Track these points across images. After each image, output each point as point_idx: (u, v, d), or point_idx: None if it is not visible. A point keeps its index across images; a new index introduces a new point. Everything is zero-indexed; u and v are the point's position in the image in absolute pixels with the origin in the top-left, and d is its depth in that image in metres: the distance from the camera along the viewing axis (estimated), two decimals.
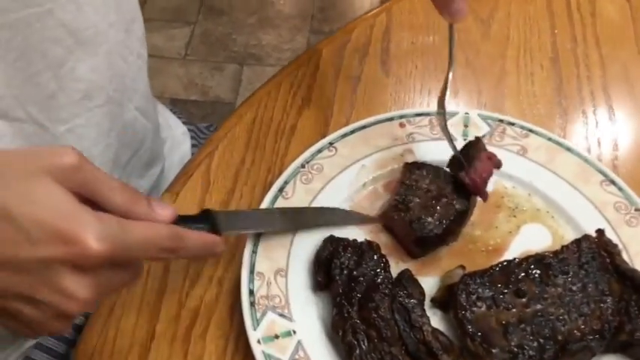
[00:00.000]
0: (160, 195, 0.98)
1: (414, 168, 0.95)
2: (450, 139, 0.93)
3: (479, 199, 0.93)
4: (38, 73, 0.76)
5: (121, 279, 0.60)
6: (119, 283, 0.61)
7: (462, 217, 0.92)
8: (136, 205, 0.60)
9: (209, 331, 0.82)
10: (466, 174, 0.90)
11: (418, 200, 0.91)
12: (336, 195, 0.97)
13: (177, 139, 1.35)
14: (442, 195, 0.92)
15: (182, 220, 0.66)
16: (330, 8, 3.24)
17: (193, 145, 1.23)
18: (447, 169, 0.96)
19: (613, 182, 0.99)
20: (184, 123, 1.44)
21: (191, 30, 3.05)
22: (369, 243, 0.85)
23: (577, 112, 1.13)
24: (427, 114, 1.06)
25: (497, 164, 0.93)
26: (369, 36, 1.24)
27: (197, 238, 0.66)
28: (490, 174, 0.91)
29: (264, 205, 0.94)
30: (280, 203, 0.94)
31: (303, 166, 0.99)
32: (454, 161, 0.94)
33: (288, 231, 0.87)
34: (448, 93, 0.91)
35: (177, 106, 2.65)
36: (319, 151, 1.01)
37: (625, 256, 0.89)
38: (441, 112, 0.93)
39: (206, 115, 2.74)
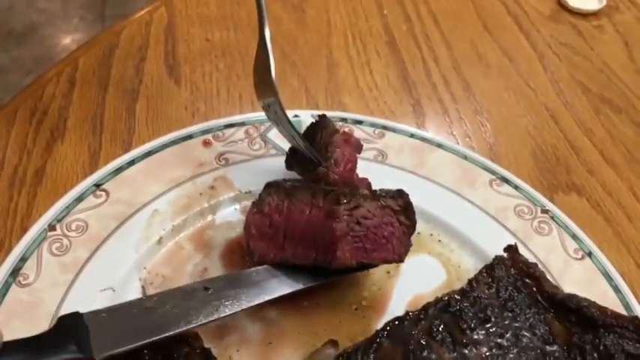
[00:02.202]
0: None
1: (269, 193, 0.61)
2: (293, 128, 0.63)
3: None
4: None
5: None
6: None
7: None
8: None
9: None
10: (327, 170, 0.60)
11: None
12: (114, 266, 0.60)
13: None
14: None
15: (17, 349, 0.44)
16: None
17: None
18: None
19: (505, 180, 0.73)
20: None
21: None
22: (181, 337, 0.49)
23: (432, 100, 0.88)
24: (242, 124, 0.74)
25: (358, 146, 0.67)
26: (146, 36, 0.89)
27: None
28: (355, 162, 0.64)
29: None
30: (15, 294, 0.55)
31: (52, 227, 0.60)
32: (296, 156, 0.65)
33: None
34: (273, 67, 0.60)
35: None
36: (79, 199, 0.63)
37: (549, 278, 0.62)
38: (269, 99, 0.62)
39: None
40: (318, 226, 0.56)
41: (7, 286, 0.56)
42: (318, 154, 0.63)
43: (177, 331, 0.51)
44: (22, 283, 0.56)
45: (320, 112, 0.75)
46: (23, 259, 0.58)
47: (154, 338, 0.50)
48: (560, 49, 1.01)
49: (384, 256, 0.58)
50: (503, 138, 0.84)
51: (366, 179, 0.65)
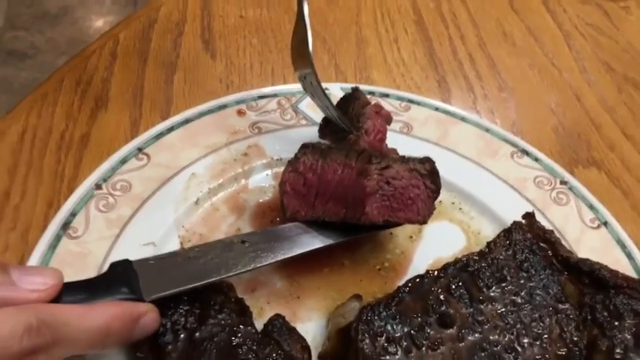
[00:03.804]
0: None
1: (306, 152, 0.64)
2: (327, 99, 0.66)
3: None
4: None
5: None
6: None
7: None
8: None
9: None
10: (358, 138, 0.64)
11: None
12: (155, 223, 0.64)
13: None
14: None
15: (75, 289, 0.48)
16: None
17: None
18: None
19: (526, 152, 0.75)
20: None
21: None
22: (218, 287, 0.53)
23: (458, 77, 0.90)
24: (274, 95, 0.77)
25: (388, 118, 0.70)
26: (183, 12, 0.93)
27: (96, 315, 0.46)
28: (385, 133, 0.67)
29: (38, 253, 0.59)
30: (66, 245, 0.60)
31: (99, 186, 0.65)
32: (329, 126, 0.69)
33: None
34: (310, 39, 0.64)
35: None
36: (123, 161, 0.68)
37: (564, 244, 0.65)
38: (305, 70, 0.65)
39: None
40: (350, 183, 0.60)
41: (58, 237, 0.61)
42: (350, 124, 0.66)
43: (218, 278, 0.55)
44: (72, 236, 0.61)
45: (349, 85, 0.78)
46: (73, 214, 0.63)
47: (198, 284, 0.54)
48: (586, 30, 1.03)
49: (409, 216, 0.61)
50: (526, 114, 0.87)
51: (395, 150, 0.68)
